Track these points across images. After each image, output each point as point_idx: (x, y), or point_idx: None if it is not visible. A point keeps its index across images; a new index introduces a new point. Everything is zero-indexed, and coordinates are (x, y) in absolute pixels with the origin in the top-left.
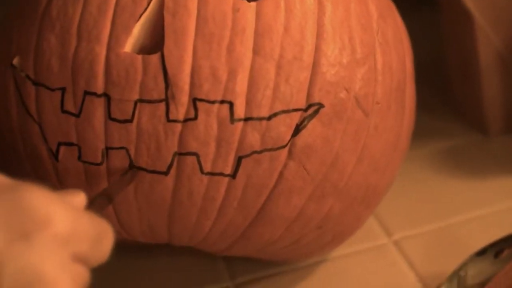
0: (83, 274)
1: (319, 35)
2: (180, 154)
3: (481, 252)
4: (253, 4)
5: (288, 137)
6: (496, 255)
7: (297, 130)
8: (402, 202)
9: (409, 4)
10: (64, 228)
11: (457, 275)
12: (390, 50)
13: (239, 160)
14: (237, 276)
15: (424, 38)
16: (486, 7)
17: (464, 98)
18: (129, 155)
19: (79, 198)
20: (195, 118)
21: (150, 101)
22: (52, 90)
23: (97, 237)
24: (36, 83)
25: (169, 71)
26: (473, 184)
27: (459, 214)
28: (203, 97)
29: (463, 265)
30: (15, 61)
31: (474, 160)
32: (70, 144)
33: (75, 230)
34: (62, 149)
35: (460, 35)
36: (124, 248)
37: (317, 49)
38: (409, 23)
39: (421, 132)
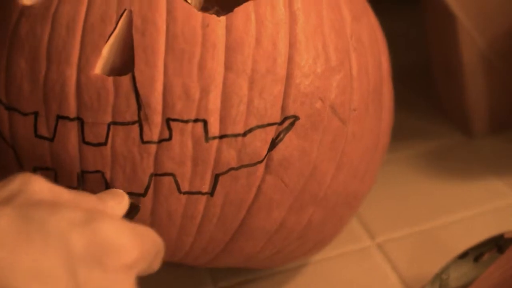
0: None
1: (291, 46)
2: (156, 175)
3: (463, 255)
4: (222, 18)
5: (265, 152)
6: (476, 258)
7: (273, 144)
8: (385, 204)
9: (394, 4)
10: (133, 257)
11: (439, 278)
12: (365, 52)
13: (216, 178)
14: (219, 280)
15: (408, 38)
16: (469, 8)
17: (448, 99)
18: (105, 179)
19: (125, 200)
20: (170, 138)
21: (123, 123)
22: (25, 114)
23: (156, 254)
24: (8, 108)
25: (141, 91)
26: (456, 185)
27: (443, 216)
28: (176, 116)
29: (445, 268)
30: None
31: (458, 161)
32: (46, 168)
33: (142, 255)
34: (38, 173)
35: (444, 36)
36: None
37: (290, 60)
38: (394, 24)
39: (404, 133)
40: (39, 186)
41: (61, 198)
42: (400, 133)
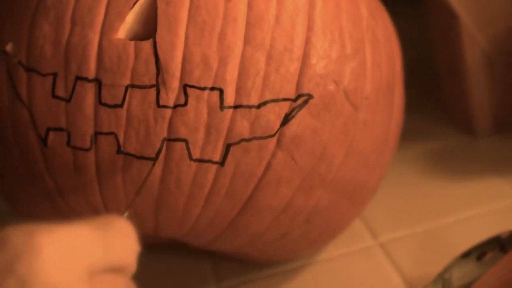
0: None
1: (309, 28)
2: (169, 140)
3: (466, 255)
4: None
5: (277, 126)
6: (479, 257)
7: (286, 119)
8: (388, 204)
9: (399, 5)
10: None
11: (442, 278)
12: (380, 49)
13: (228, 148)
14: (223, 278)
15: (412, 39)
16: (472, 8)
17: (451, 99)
18: (118, 141)
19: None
20: (185, 104)
21: (140, 87)
22: (44, 75)
23: (108, 238)
24: (28, 69)
25: (161, 57)
26: (459, 185)
27: (446, 216)
28: (193, 83)
29: (448, 268)
30: (8, 47)
31: (461, 161)
32: (60, 129)
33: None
34: (51, 134)
35: (447, 36)
36: None
37: (308, 42)
38: (398, 24)
39: (408, 133)
40: (45, 260)
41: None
42: (404, 133)
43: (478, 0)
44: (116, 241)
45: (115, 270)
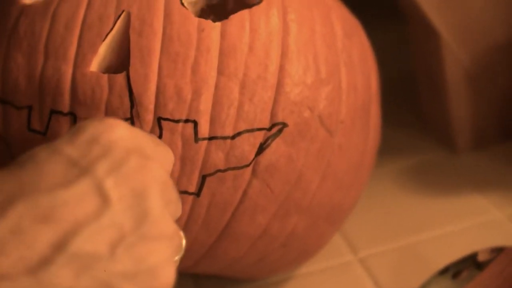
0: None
1: (283, 55)
2: None
3: (444, 271)
4: (217, 24)
5: (252, 156)
6: (455, 275)
7: (261, 149)
8: (368, 219)
9: (379, 20)
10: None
11: None
12: (355, 69)
13: (203, 179)
14: None
15: (392, 54)
16: (453, 24)
17: (432, 114)
18: None
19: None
20: (160, 137)
21: None
22: (19, 108)
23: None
24: (3, 101)
25: (134, 90)
26: (439, 201)
27: (425, 231)
28: (168, 116)
29: (426, 284)
30: None
31: (441, 177)
32: None
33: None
34: None
35: (427, 52)
36: None
37: (281, 69)
38: (379, 39)
39: (388, 148)
40: (120, 134)
41: (141, 144)
42: (384, 148)
43: (458, 17)
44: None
45: None
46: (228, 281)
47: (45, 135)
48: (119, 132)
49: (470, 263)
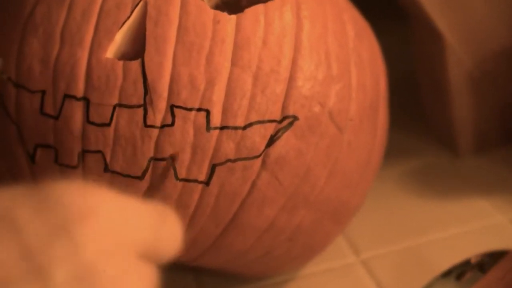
0: (151, 274)
1: (296, 50)
2: (156, 159)
3: (446, 273)
4: (233, 16)
5: (262, 147)
6: (458, 277)
7: (271, 141)
8: (370, 221)
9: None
10: (110, 219)
11: None
12: (365, 69)
13: (213, 168)
14: None
15: (395, 55)
16: (457, 27)
17: (435, 117)
18: (105, 159)
19: None
20: (172, 124)
21: (128, 106)
22: (33, 92)
23: (158, 223)
24: (17, 85)
25: (149, 77)
26: (442, 204)
27: (428, 234)
28: (180, 104)
29: (428, 286)
30: None
31: (444, 180)
32: (47, 146)
33: (126, 218)
34: (39, 151)
35: (431, 54)
36: None
37: (294, 63)
38: (383, 41)
39: (391, 151)
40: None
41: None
42: (387, 151)
43: (463, 21)
44: (166, 228)
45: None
46: (230, 280)
47: (57, 119)
48: (100, 221)
49: (473, 266)
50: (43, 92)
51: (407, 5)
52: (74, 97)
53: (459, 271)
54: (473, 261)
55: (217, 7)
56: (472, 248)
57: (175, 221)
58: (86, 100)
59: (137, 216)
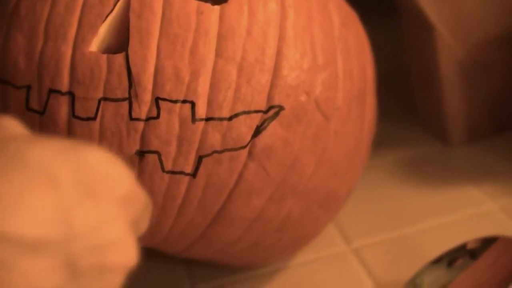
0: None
1: (281, 39)
2: (142, 152)
3: (437, 261)
4: (216, 7)
5: (249, 138)
6: (450, 263)
7: (258, 131)
8: (362, 210)
9: (373, 14)
10: (126, 189)
11: (413, 283)
12: (351, 57)
13: (199, 159)
14: (197, 282)
15: (387, 47)
16: (447, 17)
17: (426, 108)
18: None
19: None
20: (157, 117)
21: (113, 100)
22: (18, 87)
23: (143, 208)
24: (2, 81)
25: (133, 70)
26: (433, 192)
27: (418, 222)
28: (165, 96)
29: (419, 273)
30: None
31: (435, 169)
32: None
33: (133, 193)
34: None
35: (422, 45)
36: None
37: (279, 53)
38: (373, 33)
39: (382, 141)
40: (10, 122)
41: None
42: (379, 140)
43: (454, 11)
44: (147, 211)
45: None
46: (221, 270)
47: (42, 114)
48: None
49: (464, 252)
50: (28, 88)
51: None
52: (59, 92)
53: (450, 257)
54: (468, 247)
55: None
56: (463, 235)
57: (150, 207)
58: (71, 94)
59: (139, 192)
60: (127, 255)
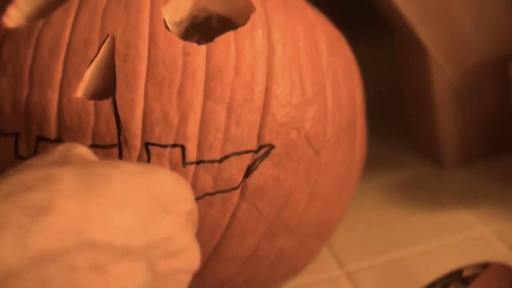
0: None
1: (269, 76)
2: None
3: (430, 286)
4: (203, 47)
5: (240, 179)
6: None
7: (249, 171)
8: (355, 233)
9: (366, 34)
10: (189, 205)
11: None
12: (340, 86)
13: None
14: None
15: (379, 68)
16: (440, 40)
17: (419, 129)
18: None
19: None
20: (148, 162)
21: (103, 146)
22: (6, 135)
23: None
24: None
25: (121, 116)
26: (426, 216)
27: (412, 246)
28: (155, 141)
29: None
30: None
31: (428, 192)
32: None
33: (194, 206)
34: None
35: (414, 66)
36: None
37: (267, 91)
38: (365, 53)
39: (375, 163)
40: (85, 150)
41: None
42: (371, 162)
43: (446, 33)
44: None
45: None
46: None
47: None
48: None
49: (457, 279)
50: (16, 135)
51: (391, 17)
52: (48, 140)
53: (443, 283)
54: (464, 274)
55: (186, 31)
56: (456, 260)
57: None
58: (60, 141)
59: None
60: (194, 260)
